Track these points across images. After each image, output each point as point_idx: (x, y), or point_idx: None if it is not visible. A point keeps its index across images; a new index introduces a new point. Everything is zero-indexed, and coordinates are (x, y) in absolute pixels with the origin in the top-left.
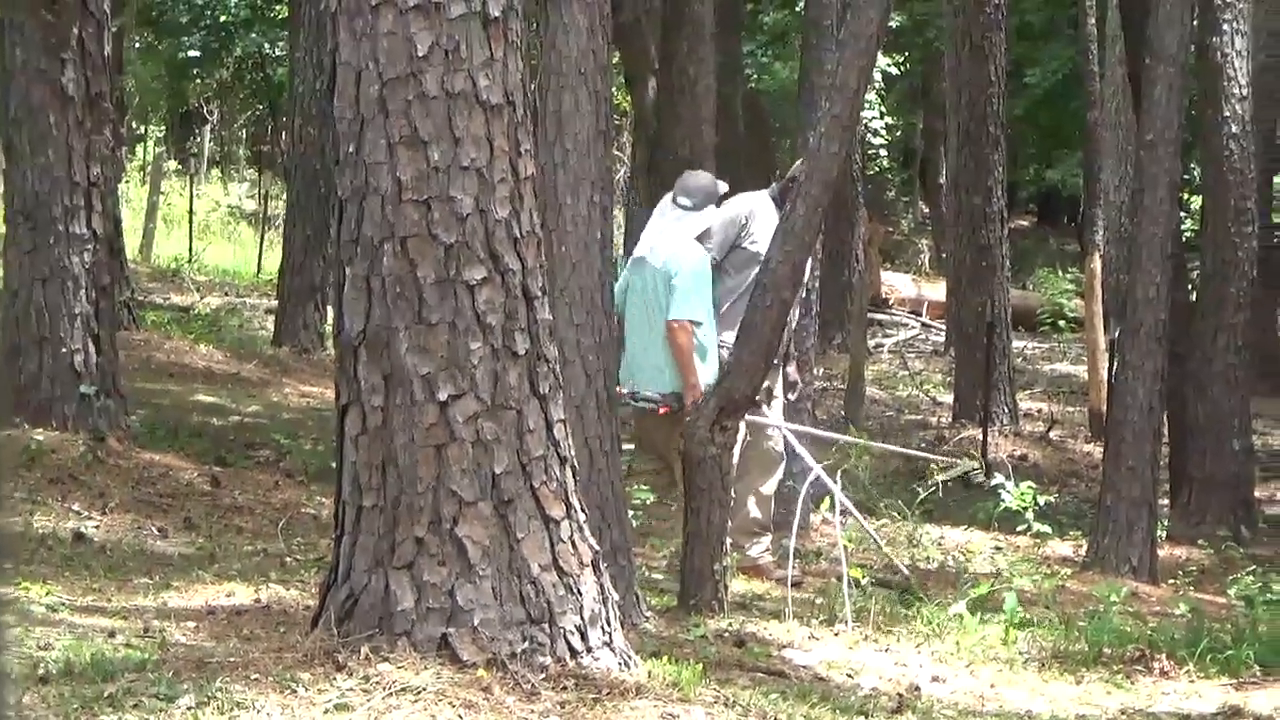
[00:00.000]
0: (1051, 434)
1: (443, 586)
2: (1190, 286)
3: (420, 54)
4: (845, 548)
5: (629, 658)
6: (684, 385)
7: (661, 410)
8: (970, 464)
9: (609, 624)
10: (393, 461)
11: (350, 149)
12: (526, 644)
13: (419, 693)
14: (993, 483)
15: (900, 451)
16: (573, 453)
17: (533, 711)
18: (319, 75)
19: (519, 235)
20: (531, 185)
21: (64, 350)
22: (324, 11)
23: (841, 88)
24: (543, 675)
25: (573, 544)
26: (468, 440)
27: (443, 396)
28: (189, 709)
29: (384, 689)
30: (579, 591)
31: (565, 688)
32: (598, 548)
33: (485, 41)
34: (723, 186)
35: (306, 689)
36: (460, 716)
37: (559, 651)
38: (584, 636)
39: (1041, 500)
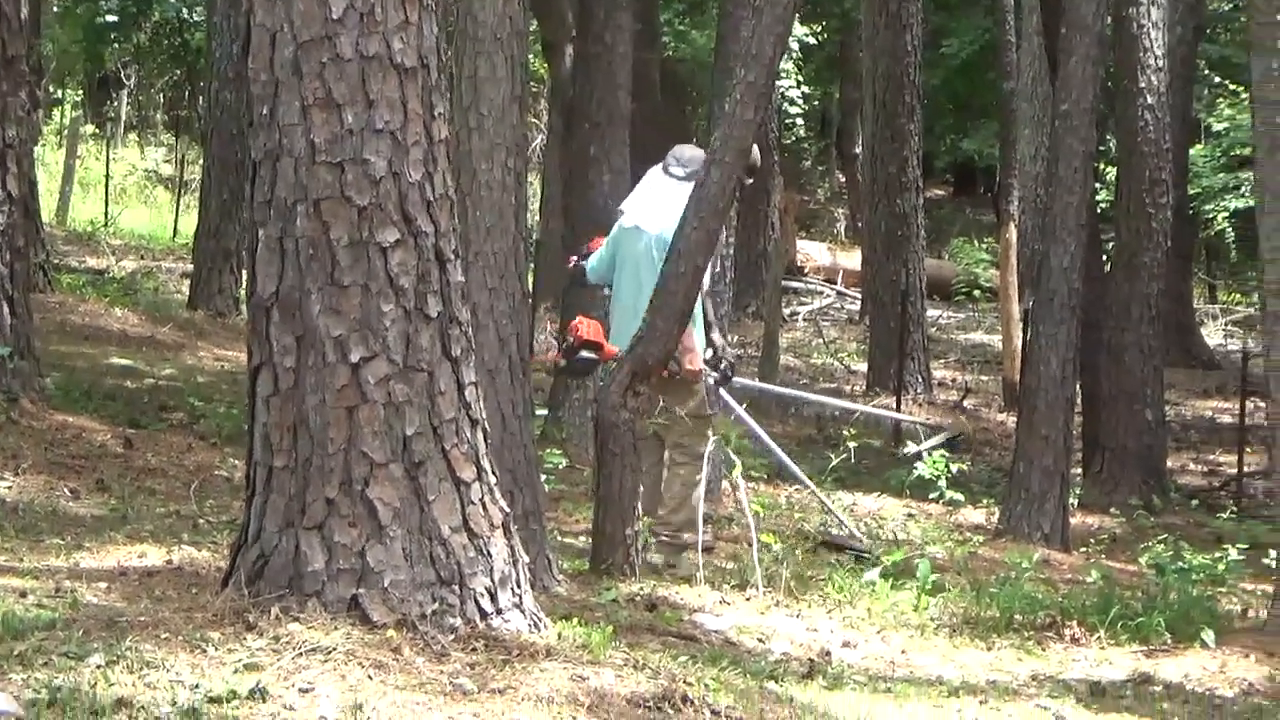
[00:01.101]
0: (965, 403)
1: (353, 547)
2: (1105, 257)
3: (335, 17)
4: (755, 514)
5: (539, 620)
6: (680, 350)
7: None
8: (955, 430)
9: (519, 586)
10: (304, 423)
11: (264, 111)
12: (436, 605)
13: (329, 653)
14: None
15: (893, 416)
16: (484, 416)
17: (442, 672)
18: (236, 40)
19: (432, 198)
20: (445, 148)
21: None
22: None
23: (757, 55)
24: (452, 636)
25: (483, 506)
26: (379, 402)
27: (354, 358)
28: (98, 667)
29: (294, 649)
30: (489, 553)
31: (475, 649)
32: (508, 510)
33: (400, 5)
34: None
35: (216, 648)
36: (370, 677)
37: (469, 613)
38: (494, 598)
39: (954, 468)
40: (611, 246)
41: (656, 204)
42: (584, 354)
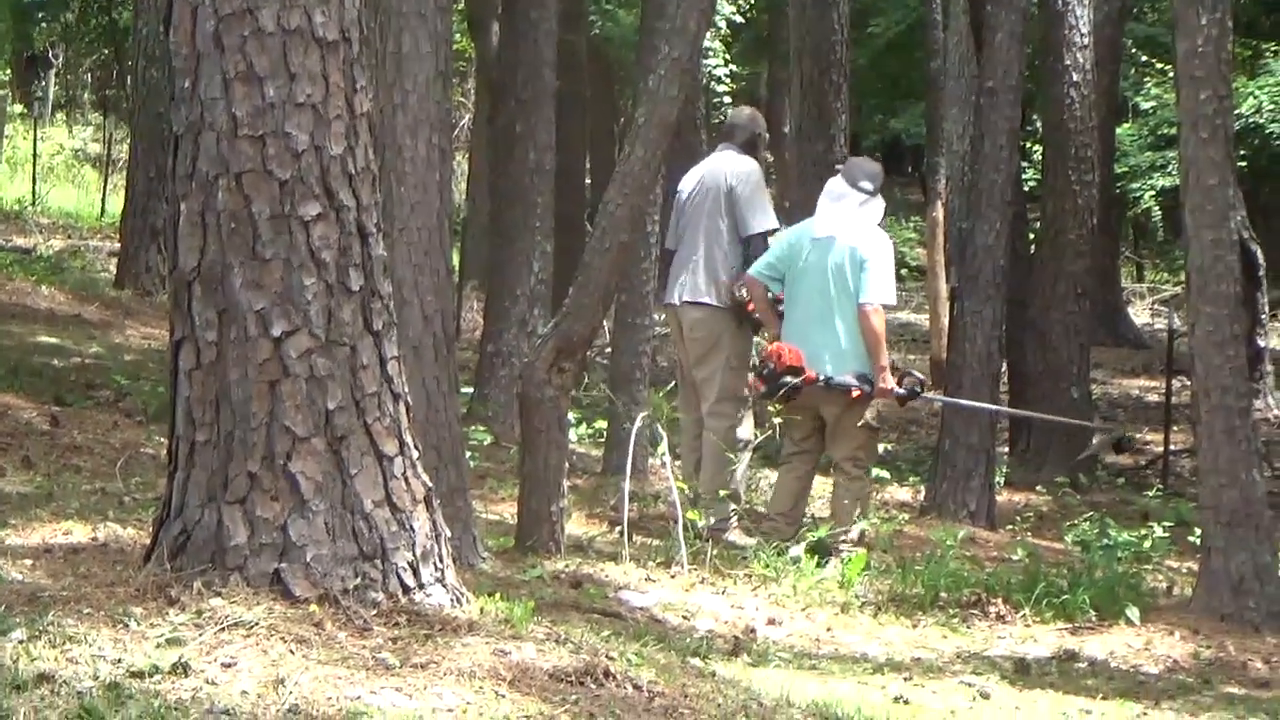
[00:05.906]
0: None
1: (275, 522)
2: (1032, 235)
3: None
4: (680, 491)
5: (461, 595)
6: (874, 368)
7: (856, 394)
8: (1121, 429)
9: (441, 561)
10: (226, 397)
11: (186, 85)
12: (359, 580)
13: (251, 627)
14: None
15: (1071, 423)
16: (407, 390)
17: (364, 647)
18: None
19: (354, 172)
20: (367, 122)
21: None
22: None
23: (681, 30)
24: (375, 611)
25: (406, 480)
26: (301, 376)
27: (276, 332)
28: (20, 642)
29: (216, 623)
30: (411, 528)
31: (397, 623)
32: (431, 485)
33: None
34: None
35: (139, 623)
36: (292, 651)
37: (391, 587)
38: (416, 573)
39: (881, 447)
40: (791, 253)
41: (847, 217)
42: (786, 379)
